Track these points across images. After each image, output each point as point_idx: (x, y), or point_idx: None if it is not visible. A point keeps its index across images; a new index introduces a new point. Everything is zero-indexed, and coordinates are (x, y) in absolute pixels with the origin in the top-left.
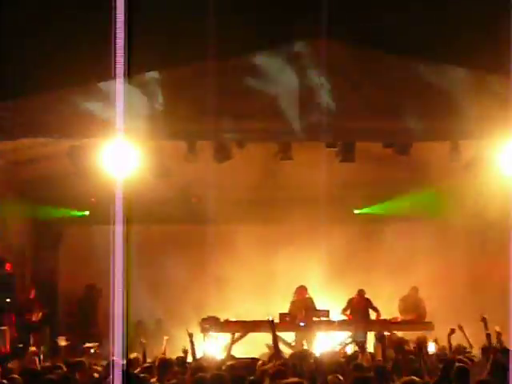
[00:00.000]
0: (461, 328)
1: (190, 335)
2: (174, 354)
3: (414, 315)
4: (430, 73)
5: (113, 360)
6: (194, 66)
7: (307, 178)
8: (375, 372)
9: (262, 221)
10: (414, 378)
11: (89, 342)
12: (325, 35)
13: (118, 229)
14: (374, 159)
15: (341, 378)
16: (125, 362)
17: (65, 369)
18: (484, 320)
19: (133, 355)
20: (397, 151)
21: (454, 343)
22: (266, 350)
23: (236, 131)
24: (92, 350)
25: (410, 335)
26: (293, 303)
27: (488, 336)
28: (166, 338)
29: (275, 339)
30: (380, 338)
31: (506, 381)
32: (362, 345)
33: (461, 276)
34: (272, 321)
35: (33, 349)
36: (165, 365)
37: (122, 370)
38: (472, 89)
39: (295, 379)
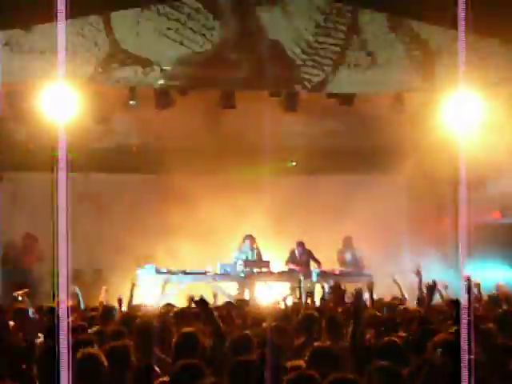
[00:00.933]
0: (395, 281)
1: (133, 285)
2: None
3: (352, 267)
4: (373, 23)
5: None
6: (139, 11)
7: (250, 127)
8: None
9: (203, 171)
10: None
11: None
12: None
13: (61, 176)
14: (317, 110)
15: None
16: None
17: None
18: (418, 273)
19: (70, 302)
20: (341, 102)
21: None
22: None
23: (178, 78)
24: (20, 298)
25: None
26: (239, 252)
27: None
28: (104, 287)
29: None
30: (336, 288)
31: None
32: (311, 292)
33: (398, 227)
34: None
35: None
36: (106, 312)
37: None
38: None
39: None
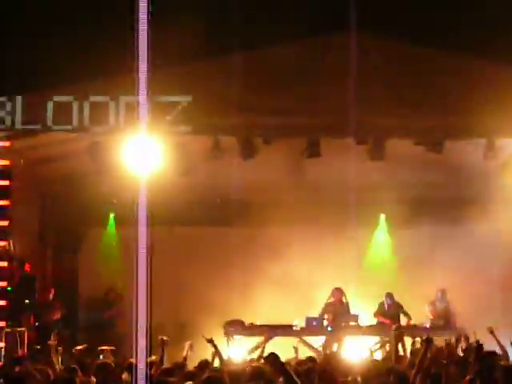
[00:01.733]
0: (492, 333)
1: (210, 340)
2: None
3: (444, 320)
4: (465, 68)
5: (135, 363)
6: (220, 59)
7: (335, 176)
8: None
9: (289, 222)
10: None
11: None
12: (355, 28)
13: (142, 230)
14: (404, 158)
15: None
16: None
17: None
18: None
19: (152, 358)
20: (429, 149)
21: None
22: (293, 355)
23: (263, 127)
24: (101, 356)
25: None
26: (326, 305)
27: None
28: (188, 342)
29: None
30: (427, 341)
31: None
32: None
33: (490, 280)
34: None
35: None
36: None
37: (145, 373)
38: (508, 84)
39: None
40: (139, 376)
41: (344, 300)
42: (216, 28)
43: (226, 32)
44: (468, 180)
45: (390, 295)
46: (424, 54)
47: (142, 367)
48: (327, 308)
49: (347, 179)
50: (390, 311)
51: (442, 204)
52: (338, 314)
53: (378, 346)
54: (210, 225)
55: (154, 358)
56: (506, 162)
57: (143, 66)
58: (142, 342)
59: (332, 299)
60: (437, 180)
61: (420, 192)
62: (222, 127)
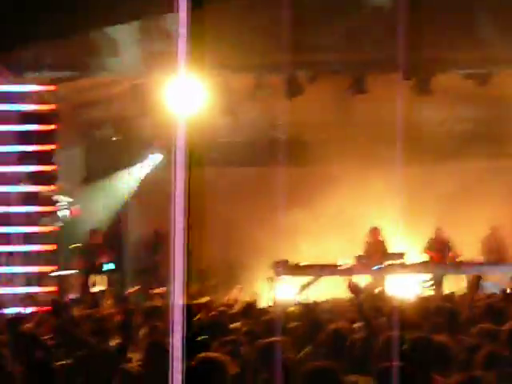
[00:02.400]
0: None
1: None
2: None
3: (496, 256)
4: None
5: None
6: None
7: (382, 113)
8: None
9: (334, 161)
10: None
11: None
12: None
13: (179, 172)
14: (452, 93)
15: None
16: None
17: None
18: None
19: (204, 299)
20: (477, 83)
21: None
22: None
23: (307, 64)
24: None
25: None
26: (367, 245)
27: None
28: (239, 286)
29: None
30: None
31: None
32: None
33: None
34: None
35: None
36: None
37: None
38: None
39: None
40: (175, 320)
41: (380, 239)
42: None
43: None
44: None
45: (439, 230)
46: None
47: (178, 311)
48: (367, 247)
49: (394, 115)
50: (441, 246)
51: (489, 138)
52: (378, 253)
53: (430, 283)
54: (256, 165)
55: (203, 299)
56: None
57: (183, 2)
58: (179, 286)
59: (370, 238)
60: (483, 115)
61: (467, 127)
62: (265, 65)
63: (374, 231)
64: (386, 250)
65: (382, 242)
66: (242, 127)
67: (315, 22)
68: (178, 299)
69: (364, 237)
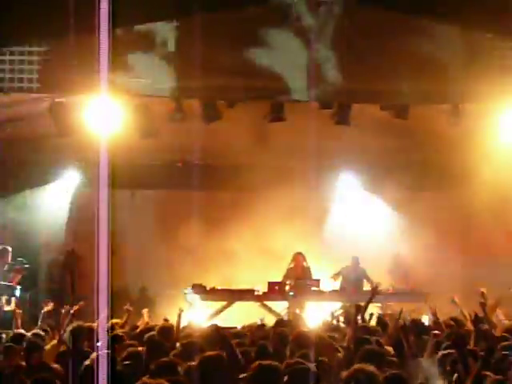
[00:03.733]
0: (454, 301)
1: (181, 310)
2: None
3: (406, 285)
4: (429, 34)
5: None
6: (183, 20)
7: (299, 141)
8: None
9: (253, 187)
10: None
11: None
12: None
13: (103, 193)
14: (370, 123)
15: None
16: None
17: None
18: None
19: (114, 321)
20: (394, 115)
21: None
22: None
23: (226, 90)
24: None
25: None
26: (288, 271)
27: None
28: (145, 310)
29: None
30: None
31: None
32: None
33: (455, 244)
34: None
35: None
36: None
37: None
38: (473, 51)
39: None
40: (100, 337)
41: (305, 265)
42: None
43: None
44: (433, 146)
45: (355, 259)
46: (391, 18)
47: (103, 329)
48: (289, 273)
49: (311, 143)
50: (355, 275)
51: (406, 169)
52: (299, 279)
53: (341, 311)
54: (172, 188)
55: (116, 320)
56: (471, 128)
57: (104, 25)
58: (104, 305)
59: (293, 264)
60: (401, 145)
61: (384, 157)
62: (184, 89)
63: (297, 257)
64: (311, 275)
65: (306, 268)
66: (159, 150)
67: (234, 49)
68: (103, 319)
69: (287, 262)
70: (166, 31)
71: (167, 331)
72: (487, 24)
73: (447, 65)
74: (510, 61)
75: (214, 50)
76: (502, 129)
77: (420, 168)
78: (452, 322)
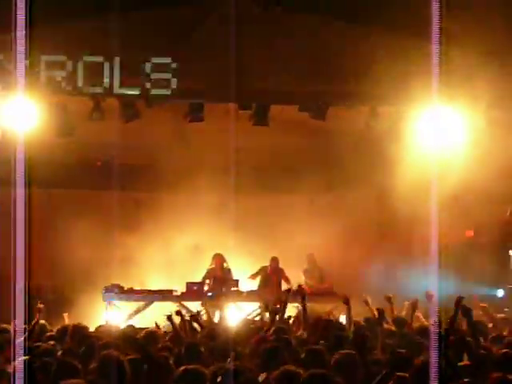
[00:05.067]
0: (366, 301)
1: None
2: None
3: (321, 285)
4: (349, 37)
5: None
6: (103, 18)
7: (218, 142)
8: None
9: (170, 186)
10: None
11: None
12: None
13: (20, 192)
14: (288, 124)
15: None
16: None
17: None
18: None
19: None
20: (312, 116)
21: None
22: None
23: (145, 89)
24: None
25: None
26: (208, 271)
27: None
28: (65, 314)
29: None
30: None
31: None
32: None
33: (370, 244)
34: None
35: None
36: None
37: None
38: (392, 53)
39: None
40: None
41: (225, 265)
42: None
43: None
44: (350, 147)
45: (275, 259)
46: (307, 21)
47: (20, 331)
48: (208, 274)
49: (230, 144)
50: (273, 276)
51: (322, 170)
52: (218, 280)
53: (257, 312)
54: (91, 187)
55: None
56: (388, 130)
57: (21, 23)
58: (20, 305)
59: (213, 265)
60: (318, 146)
61: (301, 158)
62: (103, 87)
63: (217, 258)
64: (231, 276)
65: (225, 269)
66: (78, 149)
67: (152, 48)
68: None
69: (208, 262)
70: (86, 30)
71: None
72: (406, 28)
73: (366, 67)
74: (426, 66)
75: (132, 49)
76: (418, 132)
77: (337, 169)
78: (363, 323)
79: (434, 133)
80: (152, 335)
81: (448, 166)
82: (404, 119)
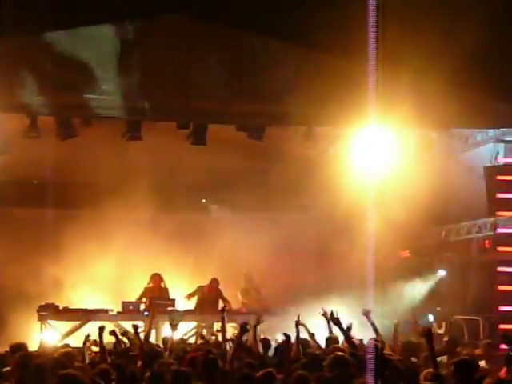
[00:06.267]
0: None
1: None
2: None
3: (257, 303)
4: (287, 56)
5: None
6: (37, 37)
7: (156, 160)
8: None
9: (106, 204)
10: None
11: None
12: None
13: None
14: (226, 143)
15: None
16: None
17: None
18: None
19: None
20: (249, 135)
21: None
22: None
23: (82, 108)
24: None
25: None
26: (145, 290)
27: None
28: None
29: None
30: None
31: None
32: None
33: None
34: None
35: None
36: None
37: None
38: (328, 74)
39: None
40: None
41: (163, 285)
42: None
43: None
44: (287, 166)
45: (215, 280)
46: (244, 40)
47: None
48: (145, 293)
49: (168, 163)
50: (210, 296)
51: (259, 189)
52: (155, 299)
53: (194, 331)
54: (27, 206)
55: None
56: (325, 151)
57: None
58: None
59: (151, 284)
60: (256, 166)
61: (237, 177)
62: (39, 106)
63: (155, 277)
64: (168, 295)
65: (163, 288)
66: (14, 167)
67: (91, 67)
68: None
69: (145, 281)
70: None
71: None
72: (342, 48)
73: (302, 88)
74: (362, 86)
75: (69, 68)
76: (355, 152)
77: (273, 187)
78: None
79: (370, 153)
80: (67, 355)
81: (384, 187)
82: (340, 140)
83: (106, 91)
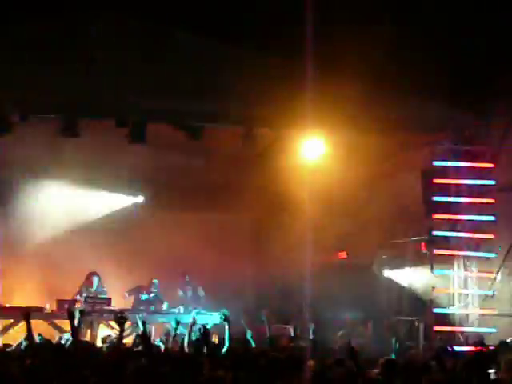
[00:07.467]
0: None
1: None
2: None
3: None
4: (224, 55)
5: None
6: None
7: (94, 158)
8: None
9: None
10: None
11: None
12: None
13: None
14: (165, 142)
15: None
16: None
17: None
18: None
19: None
20: (188, 135)
21: None
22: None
23: (18, 102)
24: None
25: None
26: (80, 288)
27: None
28: None
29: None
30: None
31: None
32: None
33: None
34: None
35: None
36: None
37: None
38: (266, 75)
39: None
40: None
41: (98, 283)
42: None
43: None
44: (226, 167)
45: (153, 283)
46: (183, 39)
47: None
48: (81, 291)
49: (105, 160)
50: (149, 296)
51: (197, 190)
52: (91, 297)
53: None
54: None
55: None
56: (263, 151)
57: None
58: None
59: (87, 282)
60: (194, 166)
61: (176, 177)
62: None
63: (91, 276)
64: (105, 294)
65: (99, 287)
66: None
67: (29, 61)
68: None
69: (80, 280)
70: None
71: None
72: (280, 50)
73: (239, 88)
74: (299, 88)
75: (8, 62)
76: (293, 153)
77: (212, 188)
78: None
79: (307, 155)
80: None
81: (320, 188)
82: (279, 141)
83: (43, 87)
